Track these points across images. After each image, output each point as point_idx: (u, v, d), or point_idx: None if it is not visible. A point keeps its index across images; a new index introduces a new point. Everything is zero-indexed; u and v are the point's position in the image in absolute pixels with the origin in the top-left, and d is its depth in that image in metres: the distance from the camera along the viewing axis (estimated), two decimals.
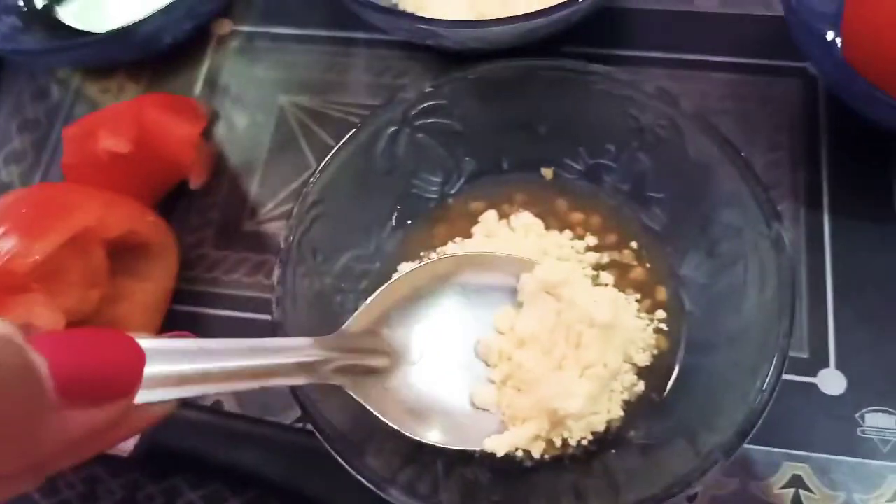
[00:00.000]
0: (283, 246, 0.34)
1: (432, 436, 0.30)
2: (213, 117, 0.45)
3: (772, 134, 0.41)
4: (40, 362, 0.16)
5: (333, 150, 0.35)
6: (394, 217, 0.38)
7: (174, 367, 0.20)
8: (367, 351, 0.30)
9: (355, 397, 0.28)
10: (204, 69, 0.47)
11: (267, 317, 0.39)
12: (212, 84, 0.46)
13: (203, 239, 0.42)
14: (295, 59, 0.46)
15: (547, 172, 0.39)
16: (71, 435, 0.17)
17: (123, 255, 0.39)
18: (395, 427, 0.29)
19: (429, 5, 0.44)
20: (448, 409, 0.31)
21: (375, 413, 0.29)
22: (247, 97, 0.46)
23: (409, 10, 0.44)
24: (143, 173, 0.40)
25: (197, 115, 0.41)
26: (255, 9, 0.48)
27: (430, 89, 0.37)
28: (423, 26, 0.40)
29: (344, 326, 0.30)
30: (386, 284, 0.32)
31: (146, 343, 0.19)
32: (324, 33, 0.47)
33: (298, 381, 0.26)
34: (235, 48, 0.47)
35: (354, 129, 0.36)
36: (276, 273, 0.33)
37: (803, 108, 0.42)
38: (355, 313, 0.30)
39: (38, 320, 0.34)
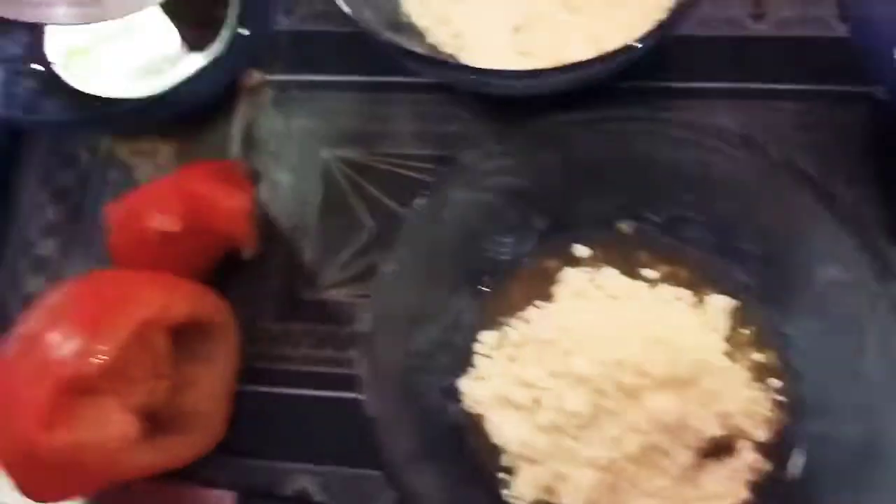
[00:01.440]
0: (361, 327, 0.32)
1: None
2: (256, 178, 0.43)
3: (851, 166, 0.39)
4: None
5: (401, 222, 0.34)
6: (467, 284, 0.37)
7: None
8: None
9: None
10: (238, 124, 0.44)
11: (342, 394, 0.38)
12: (248, 140, 0.44)
13: (262, 312, 0.40)
14: (333, 108, 0.44)
15: (623, 226, 0.37)
16: None
17: (184, 337, 0.37)
18: None
19: (469, 45, 0.42)
20: None
21: None
22: (288, 153, 0.43)
23: (449, 51, 0.42)
24: (194, 249, 0.38)
25: (244, 182, 0.39)
26: (283, 56, 0.45)
27: (495, 148, 0.35)
28: (476, 77, 0.38)
29: None
30: None
31: None
32: (360, 79, 0.45)
33: None
34: (269, 100, 0.45)
35: (421, 198, 0.34)
36: (358, 357, 0.32)
37: (877, 135, 0.40)
38: None
39: (112, 427, 0.32)
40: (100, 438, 0.32)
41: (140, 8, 0.37)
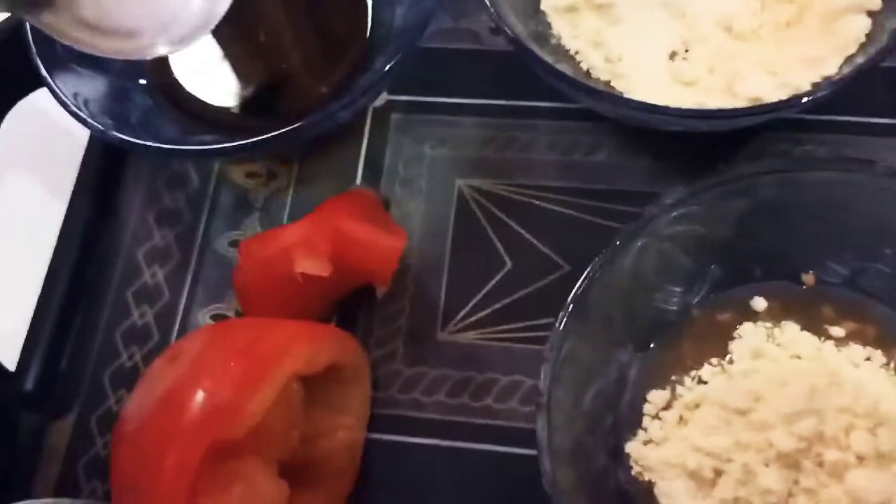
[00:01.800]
0: (540, 390, 0.29)
1: None
2: (386, 207, 0.40)
3: None
4: None
5: (584, 277, 0.31)
6: (634, 337, 0.34)
7: None
8: None
9: None
10: (362, 149, 0.41)
11: (483, 446, 0.35)
12: (373, 166, 0.41)
13: (392, 353, 0.37)
14: (467, 134, 0.41)
15: (808, 278, 0.34)
16: None
17: (317, 383, 0.34)
18: None
19: (624, 72, 0.39)
20: None
21: None
22: (419, 182, 0.40)
23: (603, 77, 0.39)
24: (333, 290, 0.35)
25: (389, 218, 0.36)
26: (411, 76, 0.42)
27: (681, 200, 0.32)
28: (654, 115, 0.35)
29: None
30: None
31: None
32: (496, 102, 0.41)
33: None
34: (395, 123, 0.41)
35: (604, 254, 0.31)
36: (539, 425, 0.29)
37: None
38: None
39: (261, 492, 0.29)
40: None
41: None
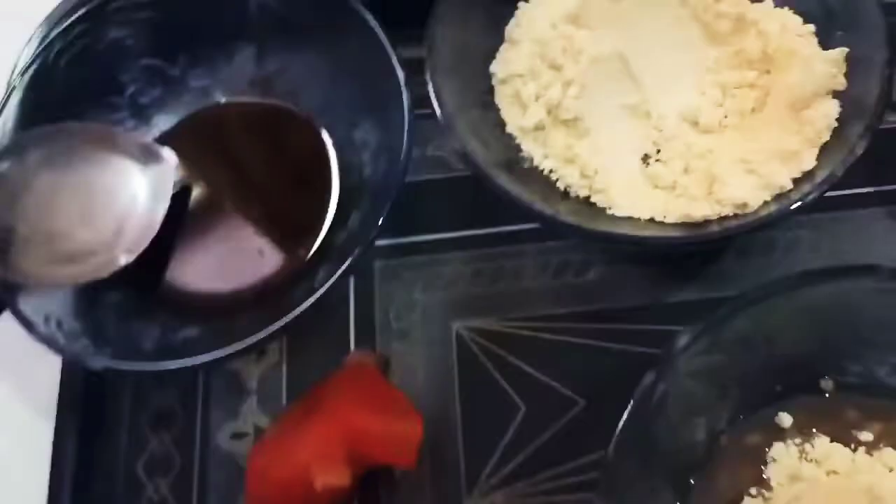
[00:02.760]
0: None
1: None
2: (386, 367, 0.38)
3: None
4: None
5: (613, 445, 0.30)
6: (667, 476, 0.33)
7: None
8: None
9: None
10: (350, 307, 0.39)
11: None
12: (365, 324, 0.39)
13: None
14: (455, 271, 0.40)
15: (827, 384, 0.33)
16: None
17: None
18: None
19: (601, 184, 0.37)
20: None
21: None
22: (415, 332, 0.39)
23: (581, 193, 0.37)
24: (349, 487, 0.33)
25: (402, 398, 0.34)
26: (389, 217, 0.39)
27: (698, 335, 0.31)
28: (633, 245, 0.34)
29: None
30: None
31: None
32: (478, 232, 0.40)
33: None
34: (380, 272, 0.40)
35: (625, 422, 0.30)
36: None
37: None
38: None
39: None
40: None
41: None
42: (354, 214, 0.39)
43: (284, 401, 0.38)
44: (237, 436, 0.38)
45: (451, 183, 0.41)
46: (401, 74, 0.37)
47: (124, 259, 0.34)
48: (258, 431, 0.38)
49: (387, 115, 0.38)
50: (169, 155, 0.36)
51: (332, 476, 0.30)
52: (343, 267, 0.34)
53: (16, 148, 0.33)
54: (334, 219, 0.40)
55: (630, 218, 0.37)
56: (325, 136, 0.42)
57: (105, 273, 0.33)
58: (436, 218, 0.41)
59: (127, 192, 0.34)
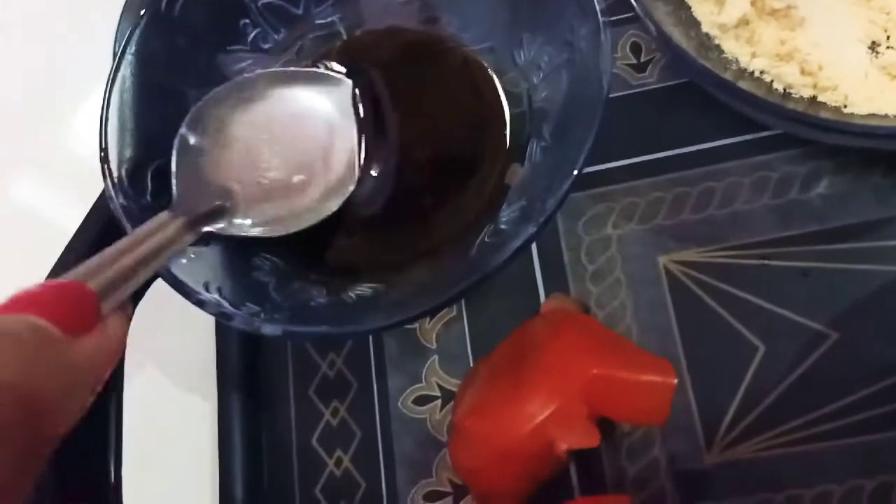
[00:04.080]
0: None
1: None
2: (585, 312, 0.33)
3: None
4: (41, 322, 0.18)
5: None
6: None
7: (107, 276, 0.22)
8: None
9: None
10: (533, 247, 0.34)
11: None
12: (552, 264, 0.34)
13: (659, 495, 0.29)
14: (650, 199, 0.34)
15: None
16: (80, 363, 0.19)
17: None
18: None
19: (831, 82, 0.32)
20: None
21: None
22: (614, 272, 0.33)
23: (807, 94, 0.32)
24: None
25: (640, 351, 0.29)
26: None
27: None
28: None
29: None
30: None
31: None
32: (672, 153, 0.34)
33: (187, 239, 0.27)
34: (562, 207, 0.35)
35: None
36: None
37: None
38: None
39: None
40: None
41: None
42: (533, 145, 0.34)
43: (471, 359, 0.33)
44: (420, 400, 0.33)
45: (630, 100, 0.36)
46: None
47: (335, 203, 0.30)
48: (446, 394, 0.33)
49: (559, 28, 0.33)
50: (345, 78, 0.32)
51: (579, 437, 0.25)
52: (555, 203, 0.28)
53: (200, 116, 0.31)
54: (507, 152, 0.35)
55: (873, 115, 0.31)
56: (482, 60, 0.37)
57: (335, 206, 0.30)
58: (619, 142, 0.35)
59: (319, 119, 0.31)
